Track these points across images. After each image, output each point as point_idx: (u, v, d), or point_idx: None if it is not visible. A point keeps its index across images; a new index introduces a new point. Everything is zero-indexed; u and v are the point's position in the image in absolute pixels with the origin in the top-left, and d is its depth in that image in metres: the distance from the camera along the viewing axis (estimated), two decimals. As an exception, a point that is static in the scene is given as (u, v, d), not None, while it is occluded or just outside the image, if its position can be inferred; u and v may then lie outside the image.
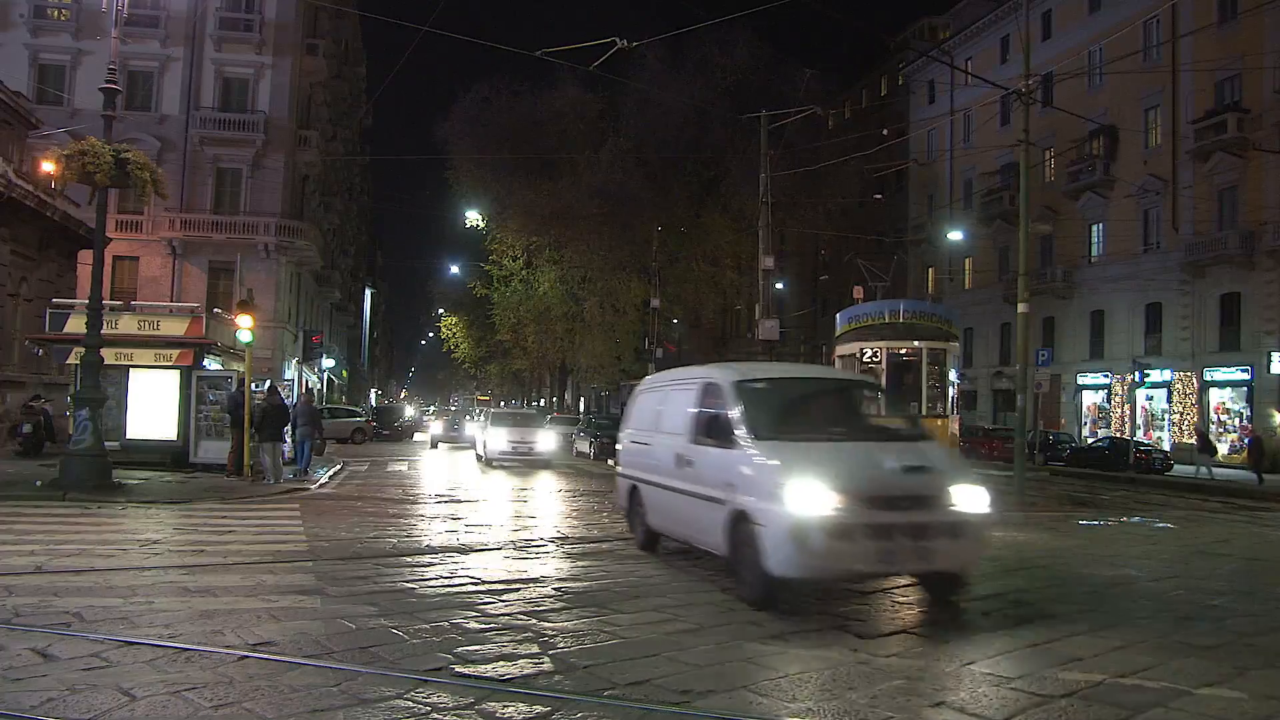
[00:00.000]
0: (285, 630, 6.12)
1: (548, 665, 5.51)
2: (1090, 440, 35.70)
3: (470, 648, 5.87)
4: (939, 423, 16.96)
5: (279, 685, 4.91)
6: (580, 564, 9.32)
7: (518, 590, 7.85)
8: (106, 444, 15.24)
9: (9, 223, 23.20)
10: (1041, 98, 32.30)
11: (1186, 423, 34.03)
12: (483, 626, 6.46)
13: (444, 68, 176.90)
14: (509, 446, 23.80)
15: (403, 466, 24.24)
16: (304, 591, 7.44)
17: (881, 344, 17.43)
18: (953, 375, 17.93)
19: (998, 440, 33.22)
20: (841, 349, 18.65)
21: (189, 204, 39.48)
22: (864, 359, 17.73)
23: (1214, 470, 27.22)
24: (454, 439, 36.65)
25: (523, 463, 24.07)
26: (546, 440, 24.59)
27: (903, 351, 17.48)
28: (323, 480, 17.98)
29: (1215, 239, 32.85)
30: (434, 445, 36.10)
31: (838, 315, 19.73)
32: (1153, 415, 35.92)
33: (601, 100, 37.20)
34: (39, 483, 14.38)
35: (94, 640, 5.69)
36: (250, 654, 5.49)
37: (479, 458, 25.94)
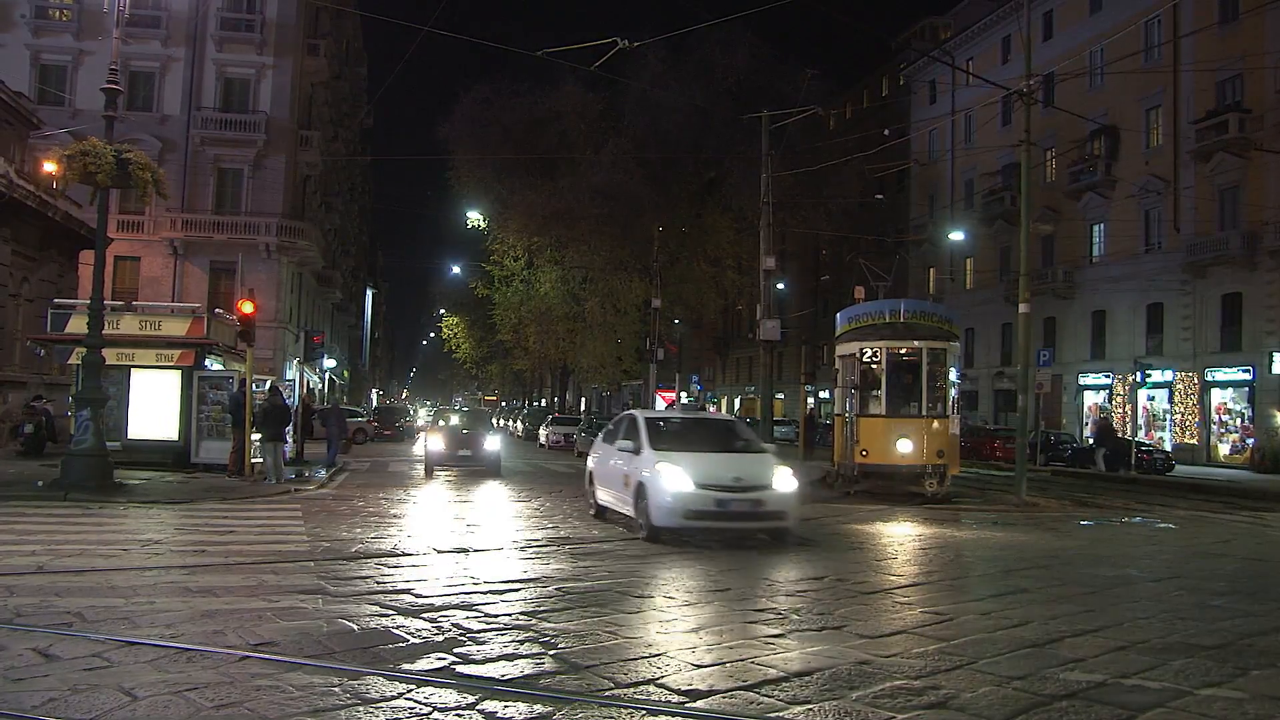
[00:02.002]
0: (286, 630, 6.13)
1: (549, 665, 5.52)
2: (1091, 441, 35.64)
3: (472, 647, 5.88)
4: (939, 423, 16.94)
5: (280, 685, 4.92)
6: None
7: (518, 590, 7.87)
8: (108, 444, 15.23)
9: (10, 223, 23.22)
10: (1042, 98, 32.31)
11: (1188, 423, 34.03)
12: (484, 626, 6.47)
13: (445, 68, 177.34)
14: (710, 501, 10.61)
15: (403, 467, 24.08)
16: (305, 591, 7.45)
17: (881, 344, 17.32)
18: (953, 375, 17.84)
19: (999, 440, 33.18)
20: (841, 349, 18.55)
21: (190, 204, 39.48)
22: (864, 359, 17.66)
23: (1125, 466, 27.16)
24: (466, 460, 21.40)
25: (745, 529, 11.04)
26: (784, 481, 11.08)
27: (903, 351, 17.39)
28: (324, 480, 18.01)
29: (1217, 239, 32.82)
30: (429, 473, 20.82)
31: (838, 315, 19.61)
32: (1154, 416, 35.89)
33: (602, 100, 37.26)
34: (40, 483, 14.39)
35: (95, 640, 5.69)
36: (252, 654, 5.49)
37: (602, 510, 13.15)
